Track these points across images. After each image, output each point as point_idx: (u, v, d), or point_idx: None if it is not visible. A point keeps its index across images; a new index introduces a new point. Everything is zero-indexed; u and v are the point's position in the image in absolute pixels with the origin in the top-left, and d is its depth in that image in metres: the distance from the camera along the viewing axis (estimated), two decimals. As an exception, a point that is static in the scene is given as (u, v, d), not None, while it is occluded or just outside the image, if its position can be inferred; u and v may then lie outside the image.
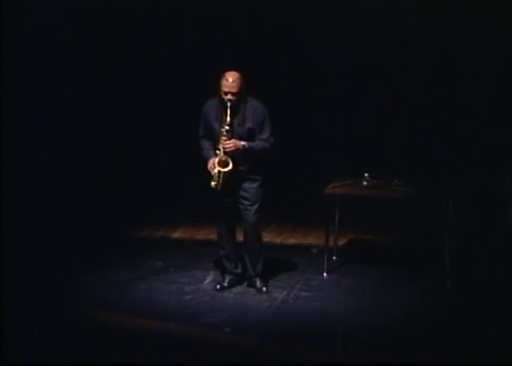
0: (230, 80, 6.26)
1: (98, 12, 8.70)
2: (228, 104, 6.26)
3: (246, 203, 6.48)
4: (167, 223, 8.48)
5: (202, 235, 8.16)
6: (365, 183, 6.92)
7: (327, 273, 7.00)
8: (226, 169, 6.30)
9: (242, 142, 6.33)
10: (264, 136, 6.41)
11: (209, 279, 6.90)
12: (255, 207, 6.48)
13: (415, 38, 8.57)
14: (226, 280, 6.67)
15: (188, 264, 7.31)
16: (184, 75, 9.00)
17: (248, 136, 6.38)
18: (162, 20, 8.94)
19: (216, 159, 6.32)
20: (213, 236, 7.88)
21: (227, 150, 6.28)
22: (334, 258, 7.37)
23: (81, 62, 8.68)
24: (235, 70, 6.32)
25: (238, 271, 6.71)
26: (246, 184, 6.46)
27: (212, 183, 6.34)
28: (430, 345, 5.54)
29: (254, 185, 6.47)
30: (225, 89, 6.26)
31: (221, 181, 6.32)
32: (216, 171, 6.31)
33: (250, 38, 8.90)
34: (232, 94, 6.26)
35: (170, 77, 9.04)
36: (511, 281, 6.64)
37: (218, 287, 6.64)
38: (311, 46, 8.96)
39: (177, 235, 8.22)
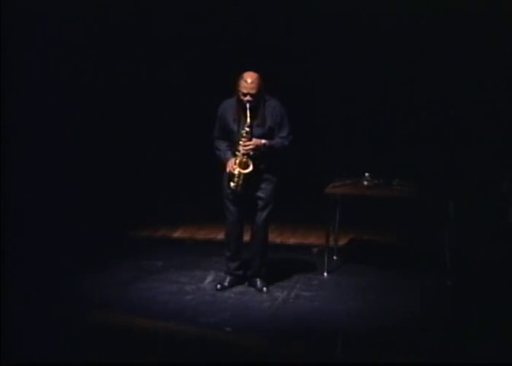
0: (249, 81, 6.18)
1: (102, 11, 8.71)
2: (248, 106, 6.19)
3: (260, 204, 6.45)
4: (167, 223, 8.47)
5: (202, 234, 8.16)
6: (365, 183, 6.92)
7: (327, 273, 7.00)
8: (247, 171, 6.26)
9: (263, 141, 6.29)
10: (283, 133, 6.38)
11: (209, 279, 6.89)
12: (268, 208, 6.45)
13: (416, 38, 8.57)
14: (227, 280, 6.65)
15: (188, 263, 7.30)
16: (187, 75, 8.99)
17: (268, 135, 6.35)
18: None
19: (237, 160, 6.27)
20: (214, 236, 7.90)
21: (248, 151, 6.24)
22: (334, 257, 7.37)
23: (83, 60, 8.69)
24: (252, 71, 6.23)
25: (240, 272, 6.69)
26: (263, 185, 6.42)
27: (232, 184, 6.30)
28: (430, 345, 5.54)
29: (270, 187, 6.43)
30: (244, 90, 6.18)
31: (241, 182, 6.29)
32: (236, 172, 6.27)
33: (250, 38, 8.90)
34: (251, 95, 6.18)
35: (173, 77, 9.03)
36: (511, 281, 6.64)
37: (218, 286, 6.63)
38: (311, 45, 8.96)
39: (177, 234, 8.21)
